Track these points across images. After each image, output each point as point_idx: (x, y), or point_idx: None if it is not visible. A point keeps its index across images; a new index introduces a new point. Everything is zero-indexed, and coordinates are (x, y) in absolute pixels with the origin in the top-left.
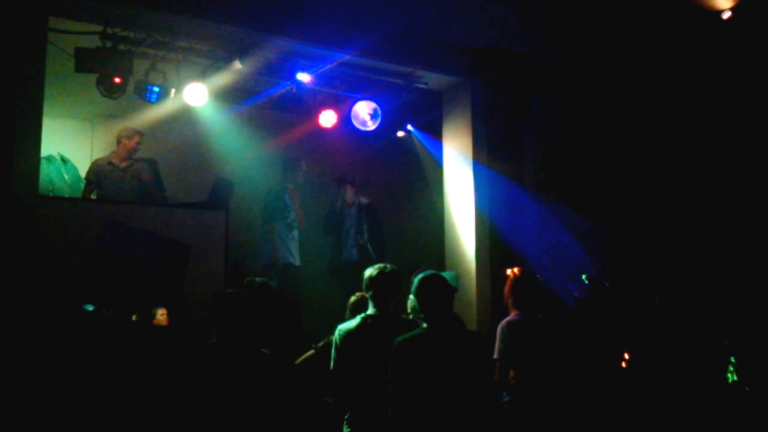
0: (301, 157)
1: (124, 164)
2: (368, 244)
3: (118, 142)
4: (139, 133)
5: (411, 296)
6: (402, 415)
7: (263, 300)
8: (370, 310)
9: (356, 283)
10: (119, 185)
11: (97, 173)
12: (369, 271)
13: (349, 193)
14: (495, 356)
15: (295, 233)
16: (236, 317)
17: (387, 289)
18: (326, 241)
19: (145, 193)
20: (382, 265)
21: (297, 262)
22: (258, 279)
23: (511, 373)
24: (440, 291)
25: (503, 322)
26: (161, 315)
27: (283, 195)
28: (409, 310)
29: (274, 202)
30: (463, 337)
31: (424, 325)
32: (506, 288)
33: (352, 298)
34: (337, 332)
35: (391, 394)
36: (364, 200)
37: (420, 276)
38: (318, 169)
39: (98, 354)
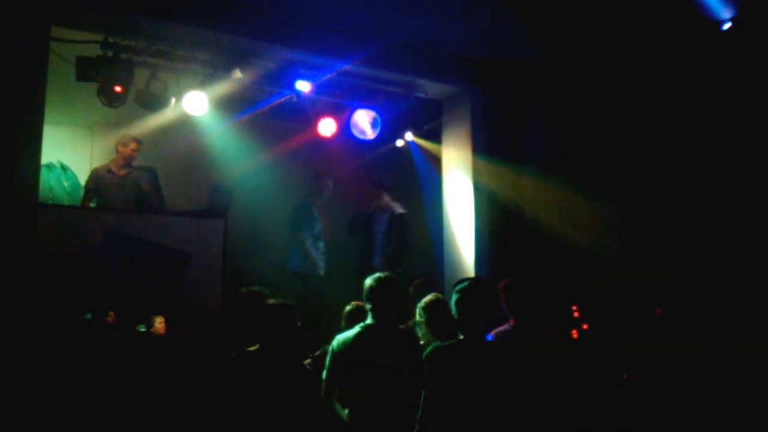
0: (327, 175)
1: (123, 172)
2: (393, 255)
3: (116, 150)
4: (135, 140)
5: (419, 304)
6: (431, 425)
7: (259, 308)
8: (369, 320)
9: None
10: (118, 193)
11: (97, 181)
12: (368, 282)
13: (384, 200)
14: None
15: (321, 244)
16: (282, 329)
17: (386, 300)
18: (350, 249)
19: (144, 201)
20: (380, 274)
21: (322, 272)
22: (255, 288)
23: None
24: (481, 301)
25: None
26: (159, 323)
27: (311, 208)
28: (417, 318)
29: (302, 215)
30: (499, 350)
31: (461, 336)
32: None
33: (348, 308)
34: (334, 342)
35: (422, 402)
36: (399, 210)
37: (461, 285)
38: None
39: (120, 365)
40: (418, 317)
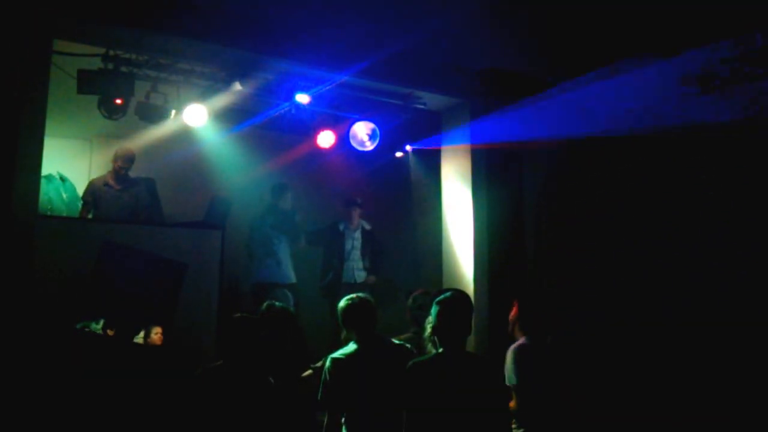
0: (288, 185)
1: (120, 186)
2: (371, 266)
3: (111, 163)
4: (128, 153)
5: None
6: None
7: (285, 325)
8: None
9: None
10: (115, 206)
11: (94, 193)
12: (340, 305)
13: (356, 217)
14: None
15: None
16: (243, 342)
17: (362, 319)
18: (317, 260)
19: (141, 213)
20: (353, 296)
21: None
22: (278, 304)
23: (513, 403)
24: (460, 312)
25: (513, 346)
26: (155, 334)
27: (293, 216)
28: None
29: (285, 222)
30: (480, 362)
31: (440, 349)
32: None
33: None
34: (328, 361)
35: (404, 419)
36: (367, 226)
37: (442, 297)
38: (316, 190)
39: (101, 375)
40: (429, 331)
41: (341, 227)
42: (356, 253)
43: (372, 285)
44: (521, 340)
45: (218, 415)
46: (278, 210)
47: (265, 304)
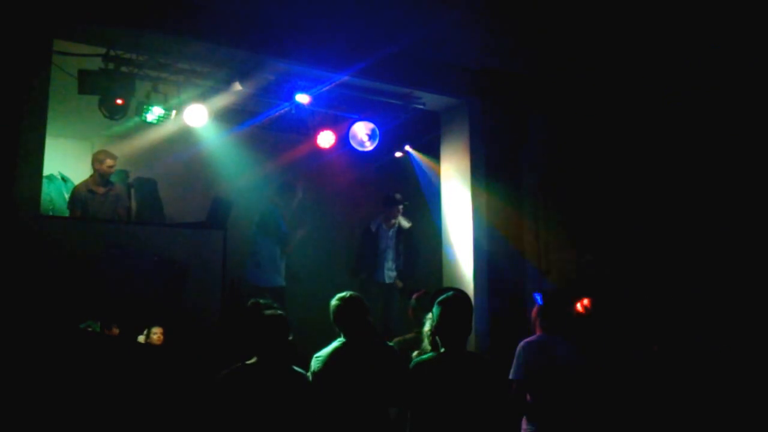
0: (297, 181)
1: (102, 190)
2: (404, 269)
3: (93, 167)
4: (111, 156)
5: (428, 315)
6: None
7: (256, 320)
8: (342, 339)
9: (380, 305)
10: (99, 211)
11: (79, 201)
12: (332, 303)
13: (395, 215)
14: (511, 377)
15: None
16: (278, 338)
17: (351, 318)
18: (317, 262)
19: (136, 214)
20: (344, 294)
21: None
22: (262, 301)
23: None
24: (462, 312)
25: (521, 342)
26: (155, 334)
27: (280, 217)
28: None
29: (278, 223)
30: (481, 362)
31: (442, 349)
32: (534, 310)
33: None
34: (312, 360)
35: (409, 418)
36: (406, 224)
37: (443, 297)
38: (316, 190)
39: (104, 376)
40: (427, 329)
41: (373, 227)
42: (390, 253)
43: (400, 290)
44: (532, 336)
45: (260, 412)
46: (264, 211)
47: (249, 302)
